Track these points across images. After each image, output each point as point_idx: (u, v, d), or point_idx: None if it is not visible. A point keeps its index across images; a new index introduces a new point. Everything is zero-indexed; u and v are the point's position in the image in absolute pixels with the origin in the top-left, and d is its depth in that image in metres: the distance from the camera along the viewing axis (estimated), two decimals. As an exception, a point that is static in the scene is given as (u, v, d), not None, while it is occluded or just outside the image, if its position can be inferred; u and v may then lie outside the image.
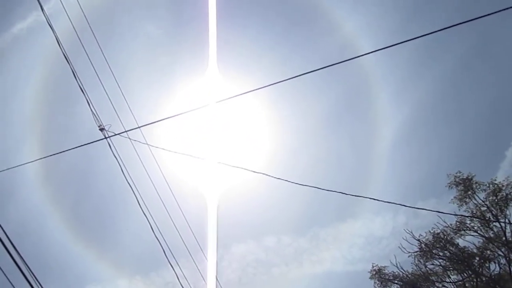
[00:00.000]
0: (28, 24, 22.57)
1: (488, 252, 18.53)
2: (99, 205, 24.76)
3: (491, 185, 18.44)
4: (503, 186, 18.25)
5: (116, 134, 8.14)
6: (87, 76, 8.48)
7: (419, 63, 24.85)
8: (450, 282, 19.38)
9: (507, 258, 18.05)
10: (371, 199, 8.47)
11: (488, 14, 5.63)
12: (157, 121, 7.46)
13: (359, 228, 24.76)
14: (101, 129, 8.12)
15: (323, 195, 8.28)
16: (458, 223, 18.77)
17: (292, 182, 8.26)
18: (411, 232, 19.24)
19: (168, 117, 7.30)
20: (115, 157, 8.44)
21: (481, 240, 18.63)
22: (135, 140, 8.53)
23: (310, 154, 26.10)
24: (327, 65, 6.33)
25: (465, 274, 19.04)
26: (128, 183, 8.71)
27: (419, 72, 25.34)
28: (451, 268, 19.31)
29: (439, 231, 18.92)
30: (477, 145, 25.58)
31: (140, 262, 23.47)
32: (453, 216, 18.36)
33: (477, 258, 18.68)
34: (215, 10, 9.49)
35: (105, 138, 8.11)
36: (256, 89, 6.72)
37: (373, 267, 19.93)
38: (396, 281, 19.63)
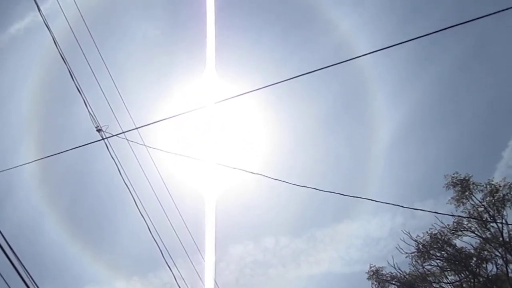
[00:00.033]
0: (25, 25, 22.55)
1: (485, 252, 18.56)
2: (96, 206, 24.73)
3: (488, 186, 18.48)
4: (500, 186, 18.29)
5: (113, 135, 8.12)
6: (84, 77, 8.46)
7: (416, 64, 24.93)
8: (448, 282, 19.41)
9: (504, 259, 18.09)
10: (369, 200, 8.48)
11: (485, 16, 5.65)
12: (155, 122, 7.45)
13: (357, 229, 24.81)
14: (98, 130, 8.09)
15: (320, 196, 8.29)
16: (455, 223, 18.80)
17: (290, 183, 8.26)
18: (409, 233, 19.30)
19: (166, 118, 7.29)
20: (112, 158, 8.42)
21: (478, 241, 18.67)
22: (132, 141, 8.51)
23: (308, 155, 26.14)
24: (324, 66, 6.34)
25: (463, 275, 19.06)
26: (126, 184, 8.69)
27: (416, 73, 25.41)
28: (448, 269, 19.33)
29: (436, 231, 18.96)
30: (474, 146, 25.67)
31: (138, 263, 23.46)
32: (451, 216, 18.41)
33: (474, 259, 18.70)
34: (213, 11, 9.48)
35: (103, 139, 8.09)
36: (254, 90, 6.72)
37: (370, 268, 19.95)
38: (393, 282, 19.65)
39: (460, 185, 18.79)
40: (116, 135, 8.12)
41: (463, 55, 24.75)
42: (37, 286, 6.83)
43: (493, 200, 18.33)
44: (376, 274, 19.78)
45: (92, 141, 7.97)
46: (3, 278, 6.98)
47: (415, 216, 20.51)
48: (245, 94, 6.80)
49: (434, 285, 19.47)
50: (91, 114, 8.16)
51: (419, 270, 19.41)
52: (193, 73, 20.36)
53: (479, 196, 18.64)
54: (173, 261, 9.80)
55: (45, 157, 8.45)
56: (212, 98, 8.15)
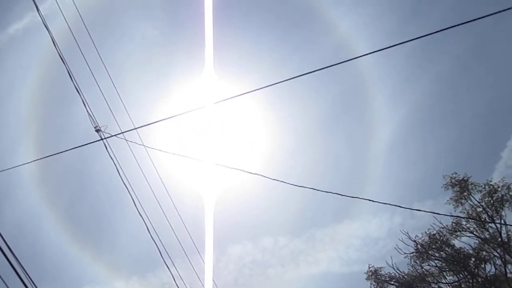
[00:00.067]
0: (24, 25, 22.52)
1: (484, 253, 18.58)
2: (95, 206, 24.72)
3: (486, 186, 18.49)
4: (498, 187, 18.30)
5: (112, 136, 8.11)
6: (83, 77, 8.46)
7: (415, 64, 24.95)
8: (446, 283, 19.42)
9: (503, 259, 18.10)
10: (368, 200, 8.47)
11: (485, 16, 5.65)
12: (154, 123, 7.44)
13: (356, 229, 24.83)
14: (97, 130, 8.09)
15: (319, 196, 8.28)
16: (454, 224, 18.81)
17: (289, 183, 8.25)
18: (407, 233, 19.30)
19: (165, 119, 7.28)
20: (111, 158, 8.42)
21: (477, 241, 18.67)
22: (131, 141, 8.50)
23: (307, 155, 26.15)
24: (324, 66, 6.33)
25: (461, 275, 19.07)
26: (124, 184, 8.69)
27: (415, 73, 25.43)
28: (447, 269, 19.34)
29: (435, 232, 18.97)
30: (473, 146, 25.70)
31: (137, 263, 23.45)
32: (449, 217, 18.41)
33: (473, 259, 18.72)
34: (212, 11, 9.47)
35: (102, 139, 8.08)
36: (253, 91, 6.72)
37: (369, 268, 19.95)
38: (392, 282, 19.65)
39: (459, 186, 18.79)
40: (115, 135, 8.12)
41: (462, 55, 24.81)
42: (36, 286, 6.82)
43: (491, 201, 18.34)
44: (375, 274, 19.79)
45: (91, 141, 7.97)
46: (2, 279, 6.97)
47: (414, 216, 20.56)
48: (244, 94, 6.80)
49: (432, 286, 19.47)
50: (90, 114, 8.16)
51: (418, 271, 19.42)
52: (192, 73, 20.37)
53: (477, 196, 18.67)
54: (172, 261, 9.81)
55: (44, 157, 8.45)
56: (211, 98, 8.14)
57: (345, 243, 25.15)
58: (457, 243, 19.02)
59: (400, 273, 19.48)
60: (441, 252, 19.14)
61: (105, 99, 8.89)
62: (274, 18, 24.66)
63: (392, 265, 19.47)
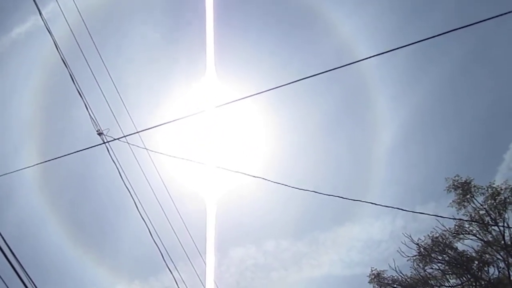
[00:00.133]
0: (27, 28, 22.60)
1: (487, 256, 18.51)
2: (97, 209, 24.72)
3: (489, 189, 18.44)
4: (501, 189, 18.25)
5: (115, 139, 8.12)
6: (85, 80, 8.48)
7: (417, 66, 24.92)
8: (449, 286, 19.34)
9: (506, 262, 18.03)
10: (370, 203, 8.46)
11: (486, 19, 5.65)
12: (156, 126, 7.44)
13: (358, 232, 24.77)
14: (99, 134, 8.10)
15: (321, 199, 8.28)
16: (456, 227, 18.76)
17: (291, 187, 8.25)
18: (410, 236, 19.25)
19: (167, 122, 7.29)
20: (113, 161, 8.43)
21: (480, 244, 18.61)
22: (133, 145, 8.52)
23: (309, 158, 26.12)
24: (326, 70, 6.34)
25: (464, 278, 19.00)
26: (127, 187, 8.70)
27: (417, 75, 25.41)
28: (450, 272, 19.27)
29: (437, 235, 18.92)
30: (475, 148, 25.63)
31: (139, 267, 23.44)
32: (452, 220, 18.37)
33: (476, 262, 18.65)
34: (213, 14, 9.49)
35: (104, 143, 8.09)
36: (255, 94, 6.72)
37: (372, 271, 19.91)
38: (395, 285, 19.59)
39: (461, 188, 18.75)
40: (117, 139, 8.13)
41: (464, 58, 24.77)
42: (38, 290, 6.82)
43: (494, 203, 18.28)
44: (377, 277, 19.73)
45: (93, 145, 7.98)
46: (4, 282, 6.97)
47: (416, 219, 20.50)
48: (246, 98, 6.80)
49: (435, 289, 19.42)
50: (92, 118, 8.17)
51: (421, 274, 19.35)
52: (193, 76, 20.42)
53: (480, 199, 18.62)
54: (174, 264, 9.80)
55: (46, 161, 8.46)
56: (212, 101, 8.15)
57: (347, 246, 25.12)
58: (460, 246, 18.99)
59: (402, 276, 19.44)
60: (444, 255, 19.08)
61: (107, 102, 8.91)
62: (274, 20, 24.69)
63: (395, 268, 19.44)
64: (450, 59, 24.40)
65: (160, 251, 9.37)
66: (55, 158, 8.25)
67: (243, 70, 22.38)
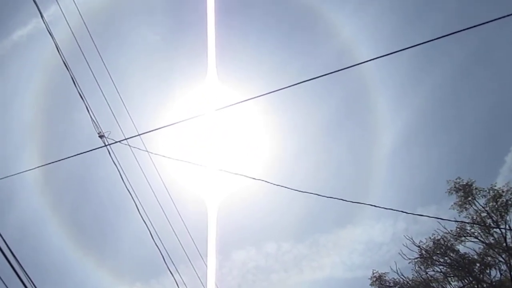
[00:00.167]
0: (28, 31, 22.64)
1: (489, 258, 18.47)
2: (98, 212, 24.72)
3: (491, 191, 18.41)
4: (503, 192, 18.21)
5: (116, 142, 8.12)
6: (86, 82, 8.48)
7: (418, 68, 24.89)
8: (451, 288, 19.31)
9: (508, 264, 17.98)
10: (371, 206, 8.44)
11: (488, 22, 5.64)
12: (158, 129, 7.44)
13: (359, 234, 24.73)
14: (101, 136, 8.10)
15: (323, 201, 8.26)
16: (458, 229, 18.72)
17: (292, 189, 8.24)
18: (411, 238, 19.22)
19: (168, 125, 7.29)
20: (114, 164, 8.42)
21: (482, 246, 18.58)
22: (134, 147, 8.51)
23: (310, 160, 26.11)
24: (327, 72, 6.34)
25: (466, 281, 18.95)
26: (128, 190, 8.69)
27: (418, 77, 25.38)
28: (451, 275, 19.22)
29: (439, 237, 18.88)
30: (476, 151, 25.57)
31: (140, 269, 23.40)
32: (453, 222, 18.33)
33: (478, 265, 18.60)
34: (214, 16, 9.50)
35: (105, 145, 8.09)
36: (256, 97, 6.72)
37: (373, 273, 19.87)
38: (396, 288, 19.57)
39: (463, 190, 18.72)
40: (119, 141, 8.13)
41: (465, 60, 24.73)
42: (39, 292, 6.81)
43: (496, 205, 18.25)
44: (379, 280, 19.70)
45: (95, 148, 7.98)
46: (5, 284, 6.97)
47: (417, 221, 20.45)
48: (247, 100, 6.80)
49: (437, 291, 19.37)
50: (94, 120, 8.17)
51: (422, 276, 19.31)
52: (194, 78, 20.43)
53: (482, 201, 18.58)
54: (175, 267, 9.79)
55: (48, 164, 8.46)
56: (213, 104, 8.15)
57: (349, 249, 25.08)
58: (461, 248, 18.95)
59: (404, 278, 19.39)
60: (446, 258, 19.04)
61: (109, 105, 8.92)
62: (276, 22, 24.70)
63: (396, 270, 19.40)
64: (452, 60, 24.40)
65: (162, 254, 9.36)
66: (57, 161, 8.26)
67: (243, 71, 22.39)
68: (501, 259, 18.25)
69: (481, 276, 18.51)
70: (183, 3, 23.68)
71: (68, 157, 7.96)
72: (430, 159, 25.83)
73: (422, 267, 19.25)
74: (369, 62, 6.47)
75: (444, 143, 25.89)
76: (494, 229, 18.30)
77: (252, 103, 6.90)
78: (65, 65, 7.96)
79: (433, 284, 19.33)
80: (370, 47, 21.97)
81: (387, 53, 6.06)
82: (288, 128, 24.99)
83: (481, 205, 18.52)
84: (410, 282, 19.33)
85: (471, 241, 18.74)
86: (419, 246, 19.10)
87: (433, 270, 19.35)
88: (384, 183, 24.52)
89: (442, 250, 18.93)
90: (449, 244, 18.86)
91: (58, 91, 20.69)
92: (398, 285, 19.47)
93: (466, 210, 18.72)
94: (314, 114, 25.67)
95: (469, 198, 18.62)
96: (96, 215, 24.74)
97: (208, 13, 9.45)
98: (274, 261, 25.61)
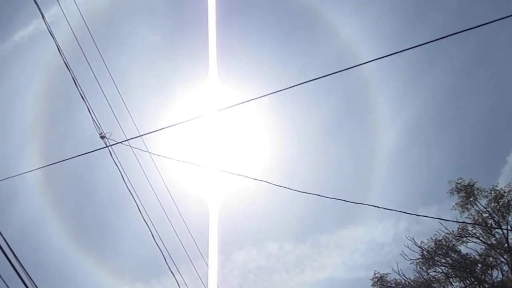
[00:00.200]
0: (29, 32, 22.67)
1: (491, 258, 18.45)
2: (100, 212, 24.74)
3: (492, 192, 18.39)
4: (504, 192, 18.20)
5: (117, 143, 8.12)
6: (87, 83, 8.49)
7: (419, 68, 24.88)
8: (453, 289, 19.28)
9: (510, 265, 17.96)
10: (372, 206, 8.43)
11: (488, 23, 5.63)
12: (159, 130, 7.45)
13: (361, 234, 24.71)
14: (102, 137, 8.10)
15: (324, 202, 8.25)
16: (460, 229, 18.70)
17: (293, 189, 8.23)
18: (413, 239, 19.20)
19: (170, 126, 7.29)
20: (116, 164, 8.42)
21: (483, 247, 18.56)
22: (136, 148, 8.51)
23: (311, 160, 26.10)
24: (328, 73, 6.34)
25: (468, 281, 18.92)
26: (129, 190, 8.69)
27: (419, 78, 25.38)
28: (453, 275, 19.20)
29: (441, 238, 18.86)
30: (478, 151, 25.55)
31: (141, 269, 23.40)
32: (455, 222, 18.31)
33: (480, 265, 18.58)
34: (215, 16, 9.50)
35: (107, 146, 8.09)
36: (257, 98, 6.72)
37: (375, 274, 19.85)
38: (398, 289, 19.54)
39: (464, 191, 18.70)
40: (120, 142, 8.13)
41: (466, 60, 24.73)
42: (40, 293, 6.82)
43: (498, 206, 18.23)
44: (380, 281, 19.68)
45: (96, 149, 7.98)
46: (6, 284, 6.98)
47: (419, 222, 20.45)
48: (248, 101, 6.80)
49: (439, 292, 19.35)
50: (95, 121, 8.17)
51: (424, 277, 19.29)
52: (196, 78, 20.43)
53: (483, 202, 18.58)
54: (176, 267, 9.78)
55: (49, 165, 8.47)
56: (214, 104, 8.15)
57: (350, 249, 25.06)
58: (463, 249, 18.94)
59: (406, 279, 19.37)
60: (447, 258, 19.02)
61: (110, 106, 8.92)
62: (276, 22, 24.70)
63: (398, 271, 19.39)
64: (452, 61, 24.40)
65: (163, 254, 9.36)
66: (58, 162, 8.26)
67: (244, 71, 22.40)
68: (502, 259, 18.23)
69: (483, 277, 18.48)
70: (184, 3, 23.71)
71: (70, 158, 7.97)
72: (431, 159, 25.83)
73: (423, 267, 19.25)
74: (369, 62, 6.47)
75: (445, 143, 25.89)
76: (496, 230, 18.29)
77: (252, 104, 6.91)
78: (66, 65, 7.97)
79: (435, 284, 19.30)
80: (370, 47, 21.98)
81: (387, 54, 6.06)
82: (289, 128, 25.00)
83: (482, 206, 18.53)
84: (411, 283, 19.31)
85: (472, 242, 18.73)
86: (420, 247, 19.10)
87: (435, 271, 19.35)
88: (385, 183, 24.52)
89: (443, 251, 18.91)
90: (450, 245, 18.84)
91: (59, 91, 20.71)
92: (400, 286, 19.45)
93: (467, 210, 18.71)
94: (314, 114, 25.67)
95: (471, 199, 18.61)
96: (97, 215, 24.77)
97: (209, 13, 9.46)
98: (275, 261, 25.62)
